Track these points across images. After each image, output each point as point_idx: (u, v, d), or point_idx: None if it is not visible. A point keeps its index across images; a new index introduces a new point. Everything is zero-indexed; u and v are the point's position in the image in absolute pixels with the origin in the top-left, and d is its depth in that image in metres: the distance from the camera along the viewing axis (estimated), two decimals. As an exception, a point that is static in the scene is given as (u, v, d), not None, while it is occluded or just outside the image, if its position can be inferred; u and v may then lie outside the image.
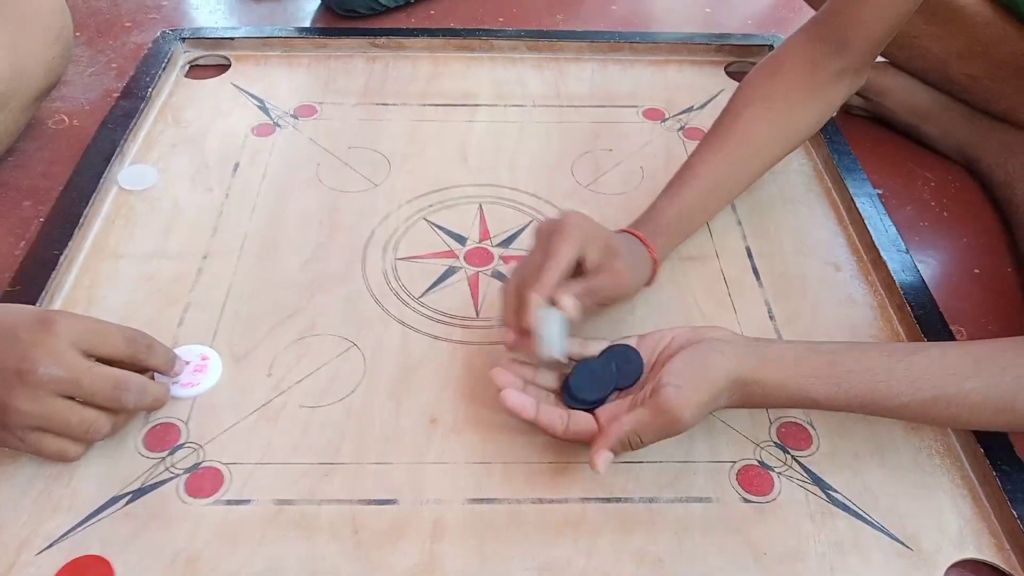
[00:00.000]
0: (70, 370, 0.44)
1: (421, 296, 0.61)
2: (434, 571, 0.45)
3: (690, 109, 0.80)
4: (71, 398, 0.45)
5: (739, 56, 0.87)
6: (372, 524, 0.47)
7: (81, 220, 0.63)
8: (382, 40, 0.85)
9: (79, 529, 0.46)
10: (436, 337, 0.58)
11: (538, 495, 0.49)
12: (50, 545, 0.45)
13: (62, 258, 0.60)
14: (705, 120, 0.79)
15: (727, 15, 1.00)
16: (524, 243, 0.65)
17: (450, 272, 0.63)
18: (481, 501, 0.48)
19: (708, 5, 1.02)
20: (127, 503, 0.47)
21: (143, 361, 0.49)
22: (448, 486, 0.49)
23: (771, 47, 0.86)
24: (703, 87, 0.83)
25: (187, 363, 0.53)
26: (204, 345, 0.55)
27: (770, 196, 0.71)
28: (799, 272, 0.64)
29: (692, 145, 0.75)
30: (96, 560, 0.44)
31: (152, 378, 0.51)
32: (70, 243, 0.61)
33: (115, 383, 0.46)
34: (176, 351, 0.53)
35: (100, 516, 0.46)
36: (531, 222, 0.67)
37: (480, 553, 0.46)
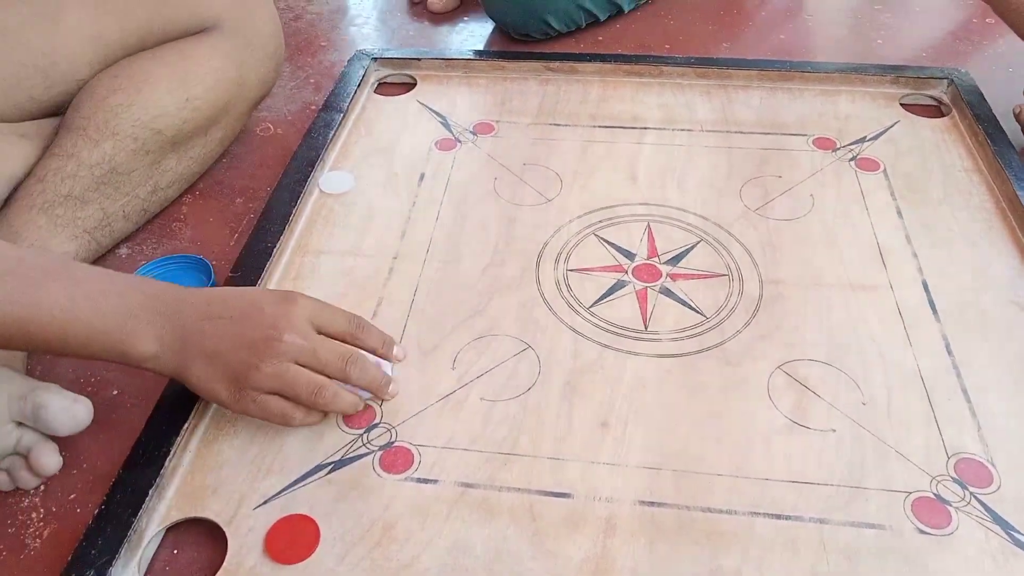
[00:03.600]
0: (309, 340, 0.51)
1: (591, 306, 0.64)
2: (607, 564, 0.47)
3: (863, 139, 0.80)
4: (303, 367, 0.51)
5: (915, 88, 0.86)
6: (548, 514, 0.50)
7: (289, 218, 0.70)
8: (556, 64, 0.90)
9: (289, 490, 0.51)
10: (606, 346, 0.61)
11: (707, 504, 0.50)
12: (265, 502, 0.51)
13: (274, 250, 0.67)
14: (879, 151, 0.78)
15: (898, 47, 0.99)
16: (692, 261, 0.67)
17: (619, 286, 0.66)
18: (652, 504, 0.50)
19: (879, 37, 1.01)
20: (329, 472, 0.52)
21: (360, 340, 0.55)
22: (619, 486, 0.51)
23: (950, 81, 0.84)
24: (876, 119, 0.83)
25: (403, 353, 0.59)
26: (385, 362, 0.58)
27: (948, 231, 0.69)
28: (979, 309, 0.62)
29: (865, 176, 0.76)
30: (304, 519, 0.50)
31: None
32: (280, 238, 0.68)
33: (344, 356, 0.52)
34: None
35: (306, 481, 0.52)
36: (699, 242, 0.69)
37: (651, 553, 0.48)
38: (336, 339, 0.53)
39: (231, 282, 0.64)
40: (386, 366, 0.57)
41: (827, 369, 0.58)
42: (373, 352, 0.56)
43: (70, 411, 0.52)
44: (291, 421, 0.52)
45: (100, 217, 0.67)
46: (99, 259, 0.70)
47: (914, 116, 0.83)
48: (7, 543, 0.50)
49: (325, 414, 0.55)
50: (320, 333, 0.53)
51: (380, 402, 0.56)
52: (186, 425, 0.53)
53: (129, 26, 0.71)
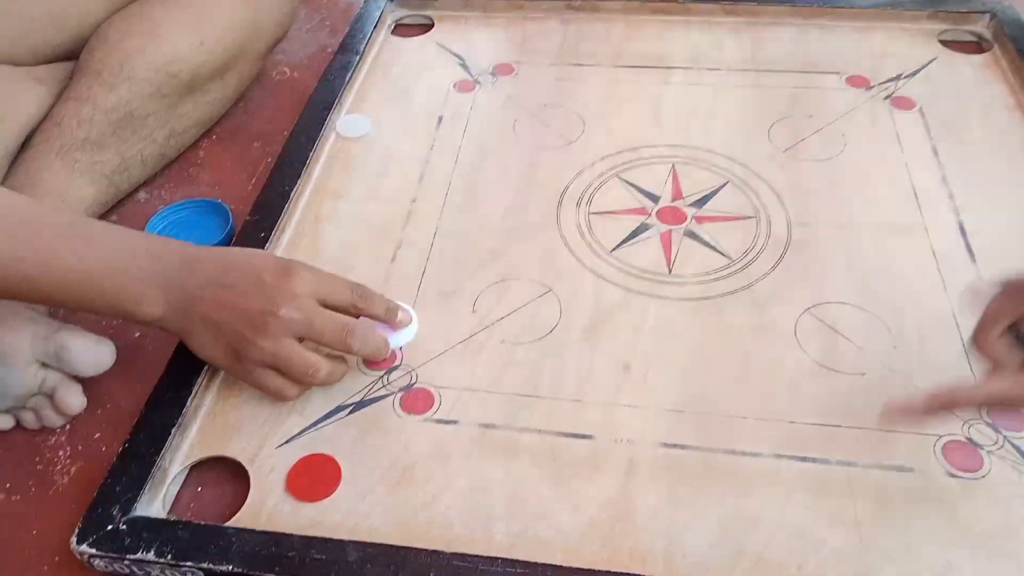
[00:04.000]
0: (307, 313, 0.49)
1: (613, 250, 0.63)
2: (629, 505, 0.47)
3: (898, 77, 0.77)
4: (301, 340, 0.50)
5: (954, 23, 0.82)
6: (569, 455, 0.49)
7: (307, 162, 0.69)
8: (578, 2, 0.87)
9: (311, 430, 0.51)
10: (628, 289, 0.60)
11: (731, 446, 0.50)
12: (287, 441, 0.51)
13: (292, 194, 0.66)
14: (915, 90, 0.75)
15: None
16: (718, 204, 0.65)
17: (642, 229, 0.64)
18: (674, 446, 0.50)
19: (918, -30, 0.96)
20: (350, 412, 0.52)
21: (363, 310, 0.52)
22: (641, 428, 0.51)
23: (992, 14, 0.80)
24: (914, 56, 0.79)
25: (410, 315, 0.55)
26: (408, 305, 0.57)
27: (986, 171, 0.67)
28: (1017, 251, 0.60)
29: (900, 115, 0.73)
30: (326, 458, 0.50)
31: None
32: (298, 182, 0.67)
33: (343, 328, 0.51)
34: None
35: (328, 421, 0.52)
36: (726, 183, 0.67)
37: (673, 494, 0.47)
38: (339, 310, 0.51)
39: (250, 226, 0.63)
40: (406, 331, 0.56)
41: (857, 312, 0.57)
42: (381, 321, 0.54)
43: (93, 352, 0.52)
44: (286, 397, 0.51)
45: (118, 162, 0.67)
46: (118, 203, 0.69)
47: (953, 52, 0.80)
48: (36, 479, 0.50)
49: None
50: (322, 304, 0.51)
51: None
52: (207, 367, 0.53)
53: None
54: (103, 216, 0.67)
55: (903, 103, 0.74)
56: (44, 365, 0.52)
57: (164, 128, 0.70)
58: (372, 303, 0.53)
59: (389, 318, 0.54)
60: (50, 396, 0.52)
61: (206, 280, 0.49)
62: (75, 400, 0.52)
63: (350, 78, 0.79)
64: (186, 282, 0.49)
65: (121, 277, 0.48)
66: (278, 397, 0.51)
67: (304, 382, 0.51)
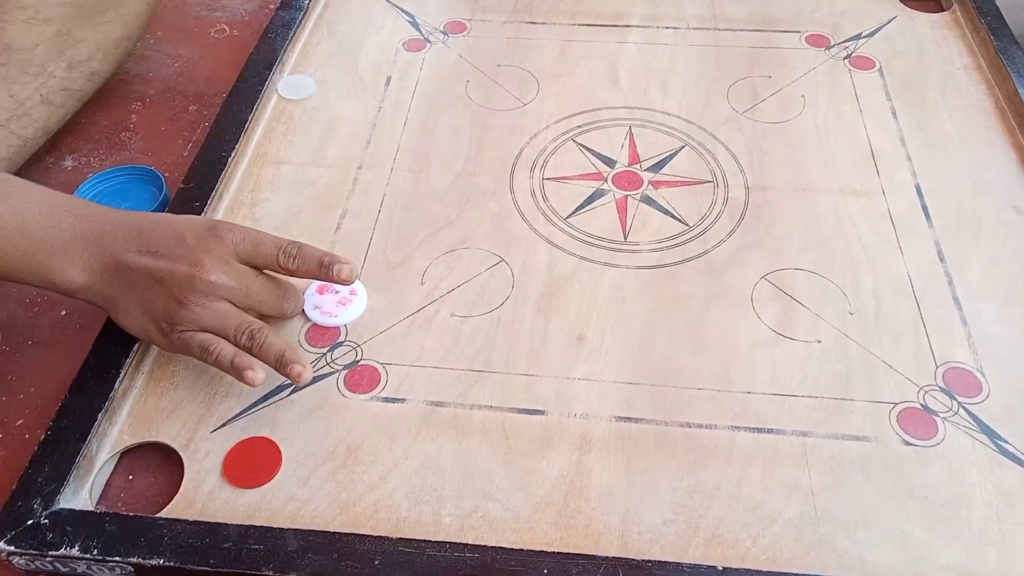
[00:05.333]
0: (237, 279, 0.47)
1: (568, 217, 0.61)
2: (583, 481, 0.45)
3: (858, 36, 0.75)
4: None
5: (915, -20, 0.80)
6: (521, 431, 0.48)
7: (246, 126, 0.65)
8: (532, -44, 0.83)
9: (249, 412, 0.49)
10: (583, 258, 0.58)
11: (686, 419, 0.48)
12: (223, 424, 0.48)
13: (229, 160, 0.62)
14: (875, 49, 0.74)
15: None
16: (675, 168, 0.64)
17: (598, 195, 0.62)
18: (628, 420, 0.48)
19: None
20: (291, 392, 0.50)
21: (295, 270, 0.49)
22: (595, 402, 0.49)
23: (954, -29, 0.79)
24: (873, 14, 0.77)
25: (351, 272, 0.49)
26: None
27: (944, 132, 0.66)
28: (974, 213, 0.60)
29: (860, 75, 0.71)
30: (265, 441, 0.47)
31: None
32: (236, 147, 0.63)
33: (278, 292, 0.49)
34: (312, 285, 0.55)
35: (267, 402, 0.49)
36: (683, 147, 0.65)
37: (628, 469, 0.46)
38: (271, 271, 0.49)
39: (184, 193, 0.60)
40: (359, 289, 0.53)
41: (814, 278, 0.56)
42: (313, 278, 0.50)
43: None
44: (222, 362, 0.46)
45: (12, 106, 0.60)
46: (38, 164, 0.65)
47: (913, 11, 0.78)
48: (-47, 471, 0.47)
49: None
50: (250, 265, 0.48)
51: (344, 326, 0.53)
52: (137, 345, 0.50)
53: None
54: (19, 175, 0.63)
55: (863, 63, 0.72)
56: None
57: (59, 60, 0.63)
58: (304, 260, 0.49)
59: (326, 274, 0.49)
60: None
61: (132, 245, 0.47)
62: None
63: (293, 36, 0.74)
64: (111, 247, 0.46)
65: (39, 239, 0.44)
66: (217, 362, 0.47)
67: (242, 346, 0.47)
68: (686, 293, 0.55)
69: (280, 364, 0.47)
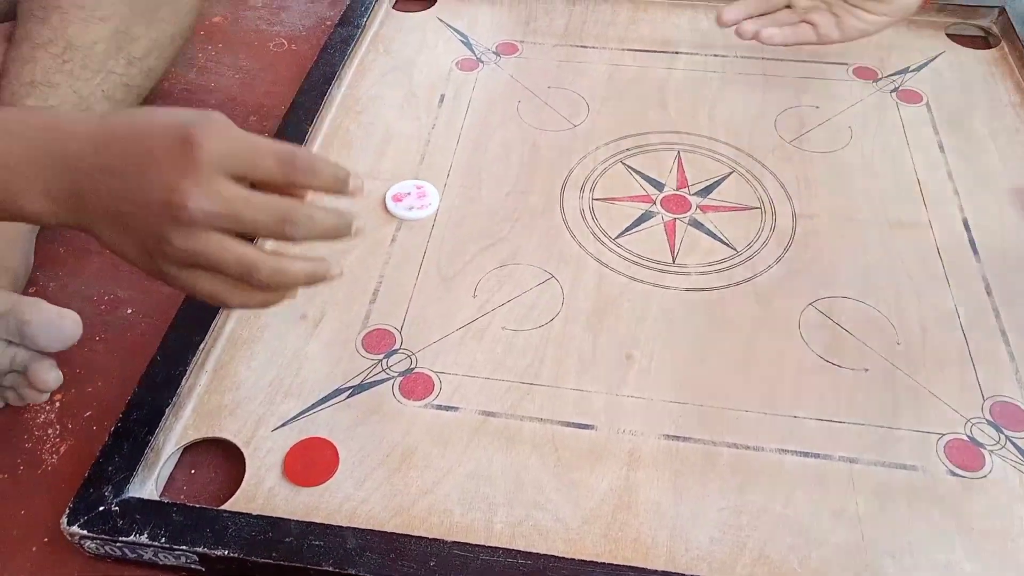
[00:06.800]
0: (226, 204, 0.37)
1: (617, 237, 0.62)
2: (630, 497, 0.46)
3: (905, 70, 0.76)
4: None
5: (963, 18, 0.81)
6: (571, 445, 0.49)
7: (305, 139, 0.67)
8: (584, -18, 0.85)
9: (308, 413, 0.50)
10: (632, 278, 0.59)
11: (733, 440, 0.49)
12: (283, 424, 0.50)
13: (290, 170, 0.64)
14: (922, 84, 0.75)
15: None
16: (723, 194, 0.65)
17: (646, 216, 0.63)
18: (676, 438, 0.49)
19: (925, -38, 0.95)
20: (348, 396, 0.51)
21: (304, 183, 0.40)
22: (644, 419, 0.50)
23: (1001, 10, 0.80)
24: (920, 49, 0.78)
25: (359, 182, 0.42)
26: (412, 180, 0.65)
27: (991, 167, 0.66)
28: (1022, 248, 0.60)
29: (907, 109, 0.72)
30: (323, 442, 0.49)
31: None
32: (296, 157, 0.65)
33: (279, 215, 0.38)
34: (392, 188, 0.62)
35: (325, 405, 0.51)
36: (731, 173, 0.66)
37: (675, 487, 0.47)
38: (268, 188, 0.39)
39: (246, 202, 0.62)
40: (428, 188, 0.58)
41: (861, 307, 0.56)
42: (335, 194, 0.42)
43: (56, 326, 0.46)
44: (228, 302, 0.41)
45: (75, 101, 0.62)
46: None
47: (960, 47, 0.79)
48: (25, 458, 0.49)
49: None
50: (245, 181, 0.39)
51: (400, 327, 0.55)
52: (202, 345, 0.52)
53: None
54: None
55: (910, 96, 0.73)
56: (10, 342, 0.48)
57: (118, 57, 0.65)
58: (313, 173, 0.40)
59: (340, 189, 0.41)
60: (23, 373, 0.50)
61: (93, 163, 0.38)
62: (49, 376, 0.47)
63: (350, 52, 0.77)
64: (69, 167, 0.39)
65: None
66: (217, 303, 0.41)
67: (247, 284, 0.40)
68: (733, 317, 0.56)
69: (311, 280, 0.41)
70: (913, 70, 0.76)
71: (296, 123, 0.69)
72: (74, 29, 0.62)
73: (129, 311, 0.57)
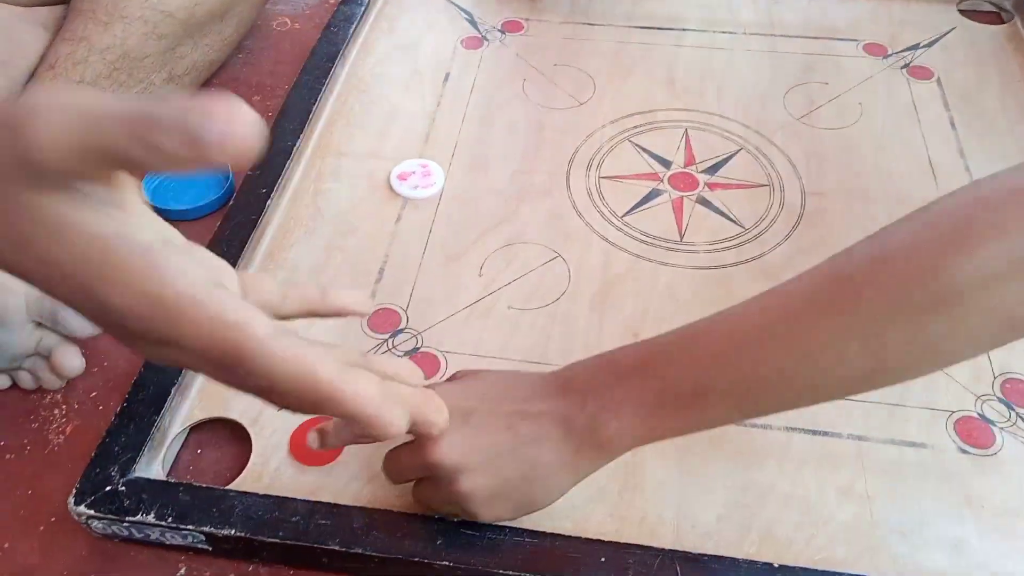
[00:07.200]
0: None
1: (624, 215, 0.61)
2: (637, 478, 0.46)
3: (916, 47, 0.75)
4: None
5: (975, -8, 0.80)
6: (578, 424, 0.49)
7: (310, 116, 0.67)
8: (590, -42, 0.84)
9: (313, 393, 0.50)
10: (639, 256, 0.58)
11: (741, 418, 0.49)
12: (288, 404, 0.50)
13: (294, 150, 0.64)
14: (933, 59, 0.73)
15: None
16: (731, 171, 0.64)
17: (654, 194, 0.63)
18: (683, 417, 0.49)
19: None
20: (354, 376, 0.51)
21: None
22: (651, 399, 0.50)
23: (1014, -17, 0.78)
24: (932, 24, 0.77)
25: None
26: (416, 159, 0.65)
27: (1004, 144, 0.66)
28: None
29: (918, 85, 0.71)
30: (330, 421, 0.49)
31: None
32: (300, 137, 0.65)
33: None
34: (397, 167, 0.63)
35: (330, 384, 0.51)
36: (739, 150, 0.66)
37: (680, 465, 0.47)
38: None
39: (250, 181, 0.62)
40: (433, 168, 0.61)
41: (870, 285, 0.56)
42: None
43: None
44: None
45: None
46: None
47: (972, 22, 0.78)
48: (31, 438, 0.49)
49: None
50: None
51: (405, 307, 0.55)
52: (207, 325, 0.51)
53: None
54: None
55: (921, 73, 0.72)
56: (40, 325, 0.49)
57: (162, 71, 0.67)
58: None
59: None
60: (47, 357, 0.50)
61: None
62: (73, 362, 0.49)
63: (354, 30, 0.76)
64: None
65: None
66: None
67: None
68: (741, 295, 0.55)
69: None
70: (924, 46, 0.75)
71: (300, 101, 0.68)
72: (134, 41, 0.63)
73: (134, 292, 0.57)
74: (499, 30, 0.78)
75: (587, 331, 0.54)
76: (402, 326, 0.54)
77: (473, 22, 0.79)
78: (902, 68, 0.73)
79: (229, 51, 0.74)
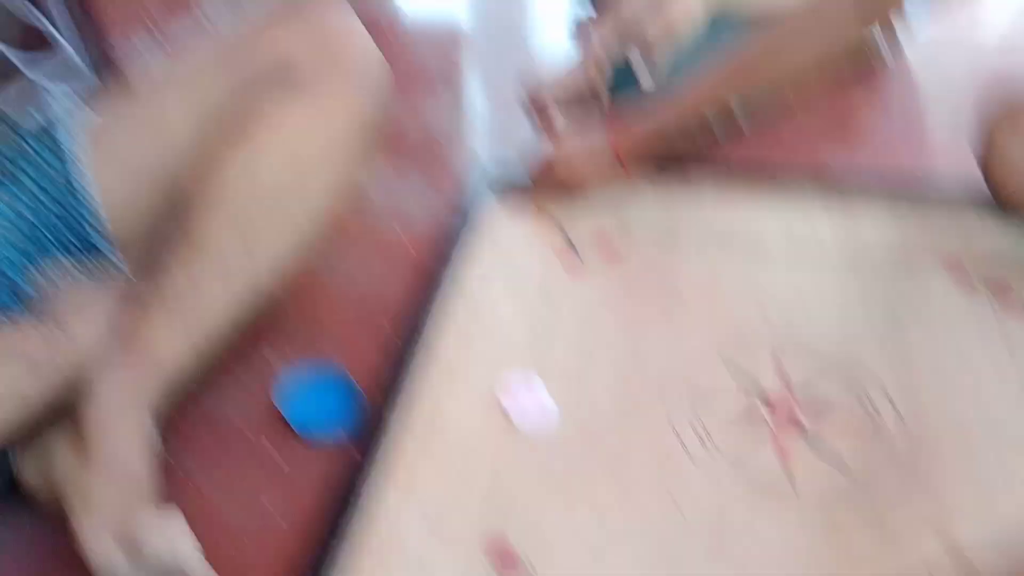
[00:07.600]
0: None
1: (725, 451, 0.63)
2: None
3: (1006, 276, 0.76)
4: None
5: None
6: None
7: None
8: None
9: None
10: (750, 505, 0.60)
11: None
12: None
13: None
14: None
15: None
16: (827, 396, 0.66)
17: (754, 423, 0.65)
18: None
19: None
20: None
21: None
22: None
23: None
24: (1020, 251, 0.79)
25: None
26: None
27: None
28: None
29: (1006, 315, 0.72)
30: None
31: None
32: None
33: None
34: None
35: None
36: (833, 374, 0.68)
37: None
38: None
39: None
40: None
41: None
42: None
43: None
44: None
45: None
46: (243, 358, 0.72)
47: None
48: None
49: None
50: None
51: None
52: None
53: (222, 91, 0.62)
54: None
55: (1008, 299, 0.74)
56: None
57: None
58: None
59: None
60: None
61: None
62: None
63: (462, 247, 0.82)
64: None
65: None
66: None
67: None
68: (859, 558, 0.56)
69: None
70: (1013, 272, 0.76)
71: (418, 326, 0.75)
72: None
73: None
74: (597, 257, 0.82)
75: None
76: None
77: (573, 247, 0.84)
78: (989, 294, 0.74)
79: (315, 228, 0.65)
